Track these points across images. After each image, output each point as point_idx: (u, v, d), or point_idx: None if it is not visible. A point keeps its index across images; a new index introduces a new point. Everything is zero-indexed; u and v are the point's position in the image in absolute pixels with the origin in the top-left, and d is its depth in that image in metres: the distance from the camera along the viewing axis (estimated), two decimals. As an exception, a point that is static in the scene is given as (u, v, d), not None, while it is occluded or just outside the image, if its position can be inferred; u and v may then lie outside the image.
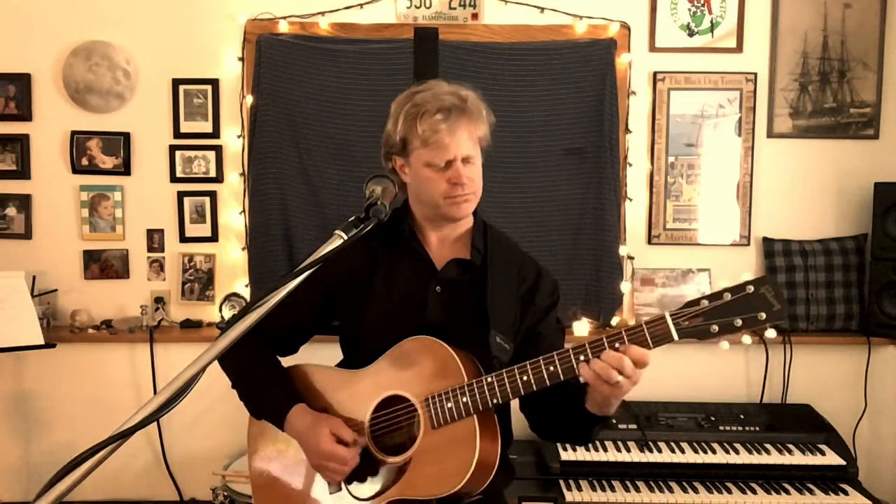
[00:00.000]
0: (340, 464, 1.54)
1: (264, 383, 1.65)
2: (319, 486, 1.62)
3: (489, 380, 1.45)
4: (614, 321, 3.19)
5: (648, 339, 1.35)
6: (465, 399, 1.45)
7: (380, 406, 1.57)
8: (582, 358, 1.39)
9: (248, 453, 1.75)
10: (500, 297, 1.61)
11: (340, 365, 1.75)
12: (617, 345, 1.37)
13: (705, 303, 1.31)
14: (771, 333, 1.27)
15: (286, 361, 1.75)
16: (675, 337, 1.32)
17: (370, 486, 1.56)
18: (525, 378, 1.43)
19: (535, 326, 1.66)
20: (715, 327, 1.29)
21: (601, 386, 1.38)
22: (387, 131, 1.65)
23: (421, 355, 1.53)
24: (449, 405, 1.47)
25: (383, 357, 1.58)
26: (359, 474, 1.57)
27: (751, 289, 1.30)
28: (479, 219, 1.72)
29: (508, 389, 1.45)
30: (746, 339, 1.31)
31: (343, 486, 1.58)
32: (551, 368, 1.42)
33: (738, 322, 1.28)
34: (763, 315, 1.27)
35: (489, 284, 1.61)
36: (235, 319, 1.11)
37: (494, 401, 1.45)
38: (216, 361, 1.58)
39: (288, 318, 1.58)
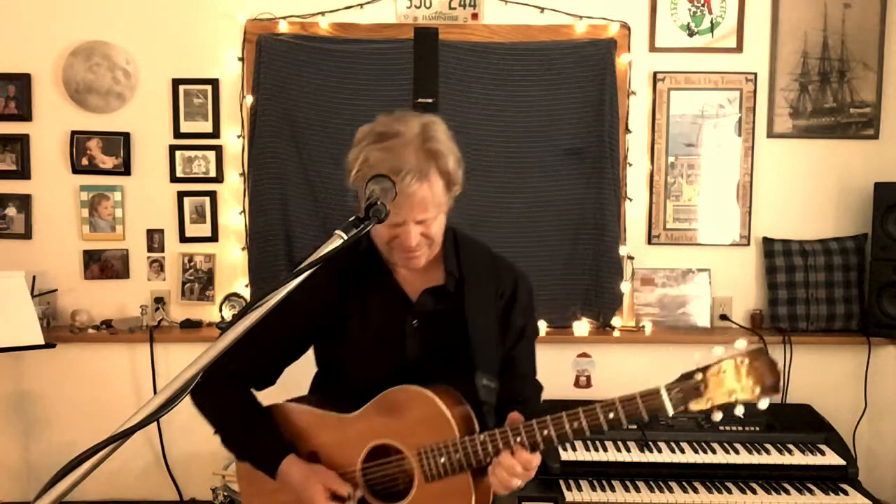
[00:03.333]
0: None
1: (251, 430, 1.59)
2: None
3: (482, 438, 1.43)
4: (615, 321, 3.19)
5: (643, 411, 1.33)
6: (458, 455, 1.44)
7: (370, 454, 1.54)
8: (575, 426, 1.38)
9: (240, 490, 1.72)
10: (481, 331, 1.56)
11: (317, 386, 1.72)
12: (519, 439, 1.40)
13: (700, 376, 1.29)
14: (763, 404, 1.26)
15: (264, 393, 1.70)
16: (670, 412, 1.31)
17: None
18: (518, 439, 1.42)
19: (510, 351, 1.63)
20: (709, 402, 1.29)
21: (499, 489, 1.45)
22: (348, 161, 1.52)
23: (411, 407, 1.49)
24: (442, 460, 1.45)
25: (371, 403, 1.53)
26: None
27: (746, 361, 1.27)
28: (448, 233, 1.60)
29: (501, 450, 1.43)
30: (739, 409, 1.29)
31: None
32: (545, 433, 1.40)
33: (733, 398, 1.28)
34: (757, 389, 1.26)
35: (469, 317, 1.55)
36: (236, 319, 1.11)
37: (487, 460, 1.44)
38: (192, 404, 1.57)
39: (265, 358, 1.56)
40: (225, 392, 1.54)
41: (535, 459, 1.42)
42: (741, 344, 1.29)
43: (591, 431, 1.37)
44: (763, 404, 1.25)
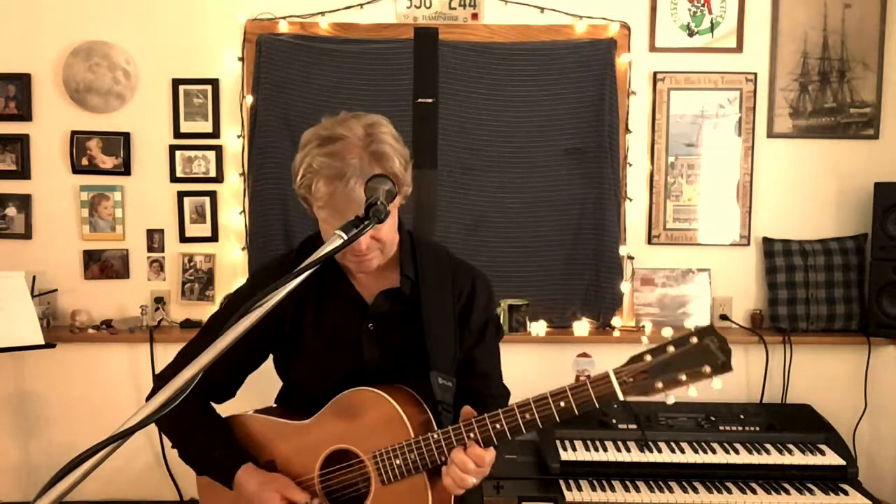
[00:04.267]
0: None
1: (207, 441, 1.58)
2: None
3: (436, 437, 1.42)
4: (615, 321, 3.19)
5: (593, 398, 1.32)
6: (412, 456, 1.43)
7: (327, 460, 1.53)
8: (527, 416, 1.36)
9: (201, 499, 1.70)
10: (437, 331, 1.55)
11: (280, 398, 1.71)
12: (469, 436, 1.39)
13: (649, 358, 1.27)
14: (717, 384, 1.23)
15: (224, 406, 1.69)
16: (620, 397, 1.30)
17: None
18: (472, 435, 1.40)
19: (470, 350, 1.62)
20: (659, 384, 1.27)
21: (453, 489, 1.41)
22: (293, 167, 1.51)
23: (365, 409, 1.48)
24: (398, 461, 1.44)
25: (326, 408, 1.52)
26: None
27: (694, 340, 1.25)
28: (405, 236, 1.59)
29: (455, 446, 1.41)
30: (692, 391, 1.27)
31: None
32: (498, 426, 1.38)
33: (683, 377, 1.25)
34: (707, 368, 1.23)
35: (424, 317, 1.54)
36: (236, 319, 1.11)
37: (442, 458, 1.42)
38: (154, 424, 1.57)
39: (220, 370, 1.52)
40: (181, 406, 1.55)
41: (488, 455, 1.39)
42: (691, 325, 1.28)
43: (542, 423, 1.36)
44: (716, 384, 1.23)
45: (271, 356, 1.68)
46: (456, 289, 1.61)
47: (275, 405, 1.71)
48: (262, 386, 1.73)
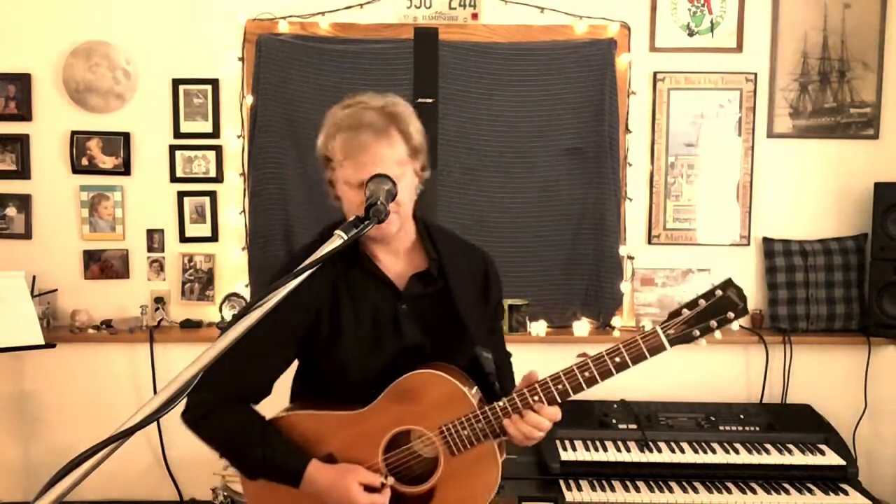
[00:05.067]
0: None
1: (266, 446, 1.58)
2: None
3: (501, 404, 1.52)
4: (615, 321, 3.18)
5: (644, 350, 1.51)
6: (480, 425, 1.52)
7: (387, 446, 1.58)
8: (587, 374, 1.56)
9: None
10: (470, 307, 1.64)
11: (300, 395, 1.72)
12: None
13: (686, 311, 1.48)
14: (735, 326, 1.50)
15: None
16: (668, 347, 1.50)
17: None
18: (536, 398, 1.53)
19: (493, 325, 1.75)
20: (696, 332, 1.48)
21: (523, 441, 1.55)
22: (319, 143, 1.61)
23: (425, 389, 1.55)
24: (466, 432, 1.53)
25: (384, 395, 1.56)
26: None
27: (719, 293, 1.47)
28: (420, 223, 1.67)
29: (522, 410, 1.53)
30: (717, 334, 1.53)
31: None
32: (560, 387, 1.56)
33: (714, 324, 1.47)
34: (731, 314, 1.46)
35: (456, 296, 1.62)
36: (236, 319, 1.11)
37: (507, 420, 1.53)
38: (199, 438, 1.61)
39: (258, 371, 1.59)
40: (228, 414, 1.58)
41: (558, 413, 1.56)
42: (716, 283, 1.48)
43: (601, 378, 1.54)
44: (735, 326, 1.48)
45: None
46: (472, 268, 1.71)
47: (297, 404, 1.71)
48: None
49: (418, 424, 1.55)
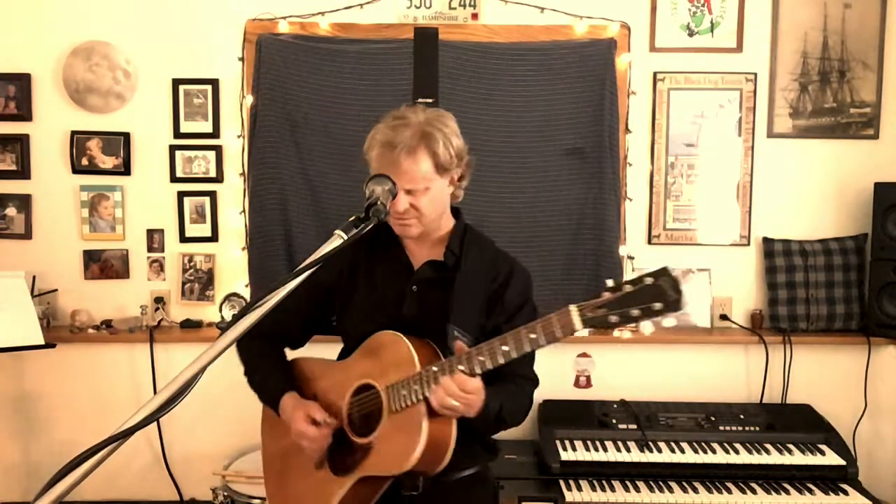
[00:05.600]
0: (311, 441, 1.74)
1: (267, 372, 1.89)
2: (309, 464, 1.81)
3: (434, 369, 1.59)
4: (614, 321, 3.18)
5: (557, 328, 1.45)
6: (415, 387, 1.60)
7: (356, 392, 1.75)
8: (504, 349, 1.53)
9: (261, 431, 1.99)
10: (465, 295, 1.75)
11: (339, 357, 1.93)
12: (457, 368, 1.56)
13: (607, 295, 1.38)
14: (670, 322, 1.41)
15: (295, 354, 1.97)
16: (578, 326, 1.42)
17: (345, 465, 1.74)
18: (460, 367, 1.56)
19: (500, 325, 1.74)
20: (614, 318, 1.37)
21: (442, 411, 1.58)
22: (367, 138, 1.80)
23: (385, 348, 1.71)
24: (403, 392, 1.62)
25: (358, 350, 1.78)
26: (340, 452, 1.75)
27: (649, 280, 1.35)
28: (461, 223, 1.87)
29: (447, 375, 1.58)
30: (648, 326, 1.48)
31: (325, 462, 1.77)
32: (480, 358, 1.55)
33: (636, 312, 1.35)
34: (659, 305, 1.33)
35: (456, 283, 1.75)
36: (236, 319, 1.11)
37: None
38: (235, 349, 1.77)
39: (292, 316, 1.79)
40: (258, 344, 1.83)
41: (470, 383, 1.55)
42: (648, 270, 1.39)
43: (517, 354, 1.52)
44: (668, 322, 1.39)
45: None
46: (493, 271, 1.82)
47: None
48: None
49: (376, 380, 1.70)
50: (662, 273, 1.35)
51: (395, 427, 1.64)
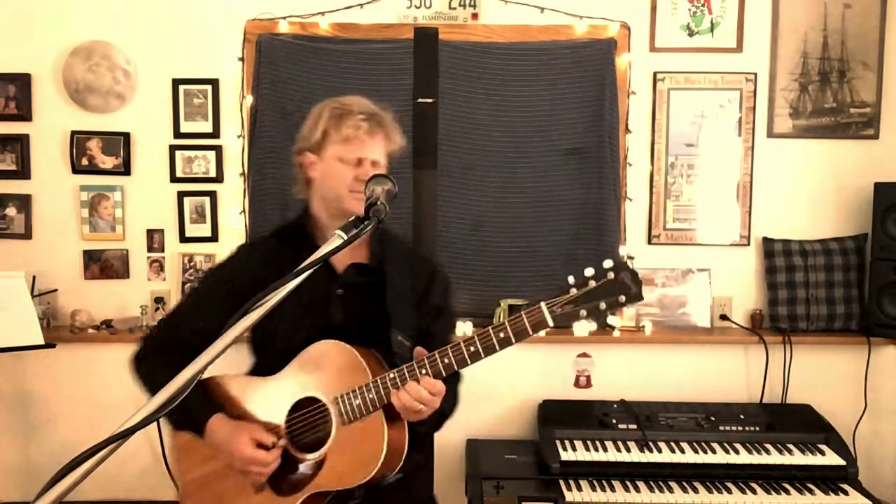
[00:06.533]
0: (262, 466, 1.64)
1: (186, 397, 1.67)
2: (246, 487, 1.71)
3: (391, 375, 1.57)
4: (614, 321, 3.18)
5: (527, 326, 1.48)
6: (371, 395, 1.58)
7: (294, 408, 1.67)
8: (472, 349, 1.53)
9: (173, 463, 1.84)
10: (398, 298, 1.73)
11: (252, 371, 1.84)
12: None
13: (574, 291, 1.46)
14: (630, 312, 1.47)
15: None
16: (550, 323, 1.47)
17: (290, 484, 1.67)
18: (423, 371, 1.56)
19: (429, 327, 1.78)
20: (583, 311, 1.45)
21: (407, 415, 1.59)
22: (306, 127, 1.79)
23: (328, 358, 1.64)
24: (357, 402, 1.59)
25: (293, 362, 1.68)
26: (281, 473, 1.67)
27: (611, 275, 1.44)
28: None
29: (409, 381, 1.57)
30: (617, 320, 1.51)
31: (267, 485, 1.68)
32: (446, 360, 1.56)
33: (603, 305, 1.44)
34: (623, 298, 1.43)
35: (388, 286, 1.72)
36: (236, 319, 1.11)
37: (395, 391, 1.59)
38: (132, 370, 1.74)
39: (202, 333, 1.58)
40: (162, 362, 1.69)
41: (439, 384, 1.56)
42: (608, 263, 1.46)
43: (485, 354, 1.52)
44: (628, 312, 1.47)
45: None
46: (414, 271, 1.82)
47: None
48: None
49: (318, 392, 1.64)
50: (622, 267, 1.43)
51: (350, 438, 1.61)
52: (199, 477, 1.77)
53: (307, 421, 1.67)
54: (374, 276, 1.75)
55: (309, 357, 1.66)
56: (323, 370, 1.64)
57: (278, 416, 1.68)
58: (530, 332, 1.48)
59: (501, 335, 1.50)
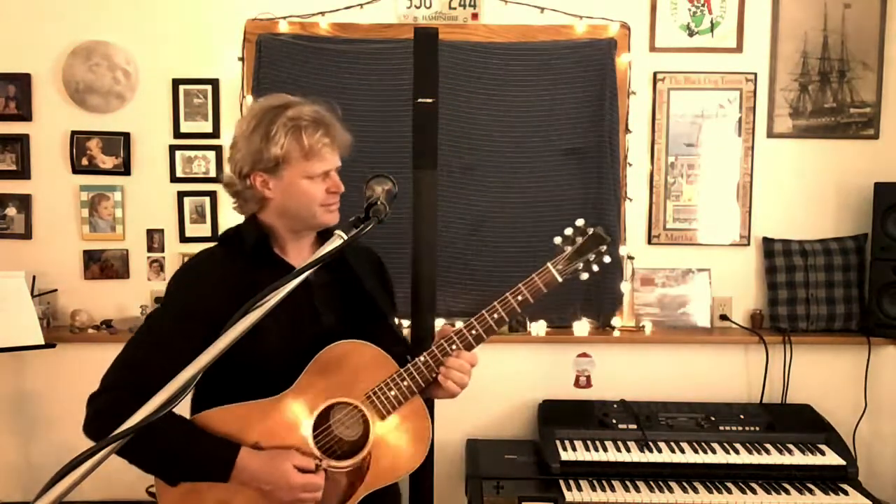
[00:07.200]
0: (314, 492, 1.53)
1: (188, 441, 1.53)
2: None
3: (423, 359, 1.62)
4: (615, 321, 3.18)
5: (541, 285, 1.66)
6: (406, 383, 1.59)
7: (318, 421, 1.58)
8: (495, 316, 1.65)
9: None
10: (375, 288, 1.74)
11: (203, 403, 1.62)
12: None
13: (568, 248, 1.68)
14: (606, 259, 1.71)
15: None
16: (559, 279, 1.67)
17: (336, 497, 1.58)
18: (454, 346, 1.62)
19: (391, 316, 1.81)
20: (580, 265, 1.68)
21: (451, 391, 1.64)
22: (254, 148, 1.58)
23: (347, 359, 1.59)
24: (392, 393, 1.58)
25: (305, 373, 1.56)
26: (324, 491, 1.57)
27: (590, 231, 1.68)
28: None
29: (442, 360, 1.62)
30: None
31: None
32: (474, 332, 1.64)
33: (592, 257, 1.68)
34: (603, 248, 1.68)
35: (361, 278, 1.72)
36: (236, 318, 1.11)
37: (433, 375, 1.62)
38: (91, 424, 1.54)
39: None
40: (136, 406, 1.34)
41: (475, 357, 1.66)
42: (580, 221, 1.69)
43: (508, 317, 1.65)
44: (607, 259, 1.69)
45: None
46: (368, 258, 1.82)
47: (203, 406, 1.62)
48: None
49: (344, 396, 1.58)
50: (591, 224, 1.69)
51: (392, 428, 1.60)
52: None
53: (337, 430, 1.60)
54: (340, 270, 1.69)
55: (325, 362, 1.57)
56: (343, 372, 1.58)
57: (300, 434, 1.56)
58: (544, 290, 1.66)
59: (520, 297, 1.64)
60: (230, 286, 1.56)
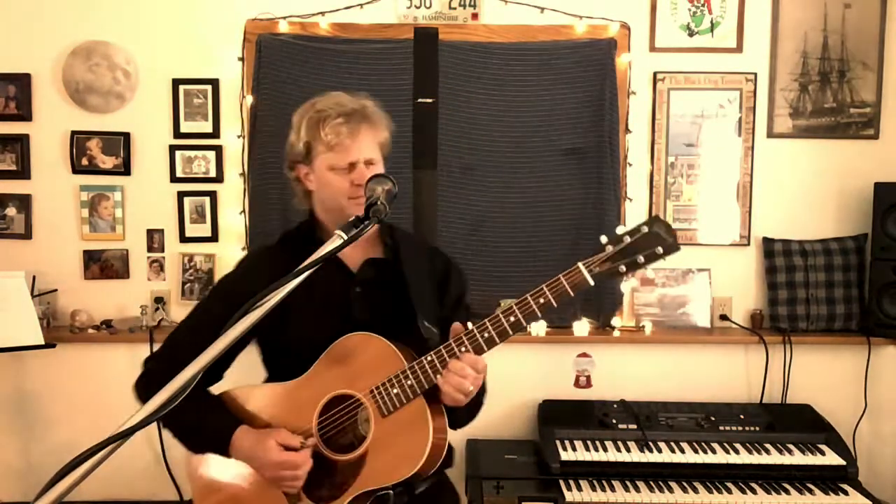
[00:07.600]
0: (293, 469, 1.55)
1: (199, 414, 1.62)
2: (280, 500, 1.62)
3: (429, 358, 1.52)
4: (615, 321, 3.18)
5: (567, 288, 1.46)
6: (409, 382, 1.52)
7: (324, 409, 1.59)
8: (512, 319, 1.49)
9: (195, 489, 1.72)
10: (420, 287, 1.68)
11: (270, 381, 1.75)
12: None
13: (610, 248, 1.44)
14: (659, 264, 1.46)
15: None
16: (591, 282, 1.45)
17: (330, 489, 1.58)
18: (463, 348, 1.51)
19: (448, 318, 1.70)
20: (622, 267, 1.43)
21: (454, 397, 1.52)
22: (290, 141, 1.72)
23: (357, 351, 1.57)
24: (395, 391, 1.53)
25: (318, 361, 1.60)
26: (319, 480, 1.58)
27: (645, 229, 1.43)
28: (384, 223, 1.71)
29: (449, 362, 1.51)
30: (650, 272, 1.50)
31: (303, 494, 1.59)
32: (486, 335, 1.50)
33: (641, 259, 1.43)
34: (660, 249, 1.42)
35: (407, 276, 1.67)
36: (237, 318, 1.11)
37: (438, 377, 1.52)
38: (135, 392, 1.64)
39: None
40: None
41: (482, 360, 1.52)
42: (639, 221, 1.46)
43: (526, 321, 1.49)
44: (661, 262, 1.44)
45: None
46: (431, 263, 1.78)
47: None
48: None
49: (351, 387, 1.57)
50: (655, 220, 1.43)
51: (392, 430, 1.54)
52: (229, 497, 1.67)
53: (341, 420, 1.59)
54: (390, 270, 1.69)
55: (336, 353, 1.59)
56: (353, 364, 1.57)
57: (308, 420, 1.59)
58: (571, 294, 1.46)
59: (541, 300, 1.47)
60: (277, 278, 1.56)
